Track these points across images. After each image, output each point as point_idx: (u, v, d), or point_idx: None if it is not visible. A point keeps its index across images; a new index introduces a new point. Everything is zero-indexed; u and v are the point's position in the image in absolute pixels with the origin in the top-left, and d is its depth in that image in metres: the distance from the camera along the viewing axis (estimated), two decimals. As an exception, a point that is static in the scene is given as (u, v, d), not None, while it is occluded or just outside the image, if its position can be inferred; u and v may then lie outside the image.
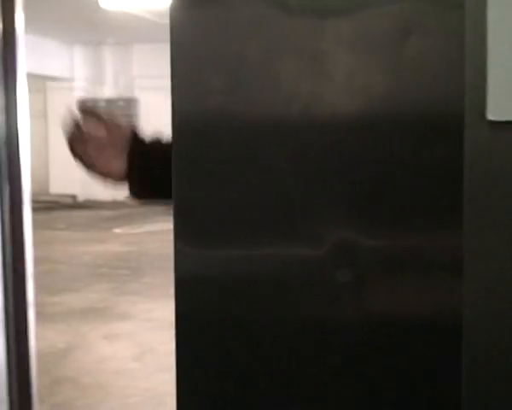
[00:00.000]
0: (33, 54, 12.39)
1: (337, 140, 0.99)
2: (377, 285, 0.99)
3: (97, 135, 1.16)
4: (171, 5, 1.03)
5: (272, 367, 1.03)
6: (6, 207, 1.51)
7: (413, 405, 0.99)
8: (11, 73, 1.51)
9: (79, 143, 1.20)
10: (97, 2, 10.05)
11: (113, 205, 14.05)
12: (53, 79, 14.58)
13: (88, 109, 1.15)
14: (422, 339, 0.98)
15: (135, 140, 1.26)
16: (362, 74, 0.98)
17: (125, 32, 12.74)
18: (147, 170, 1.29)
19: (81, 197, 14.73)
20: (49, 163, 14.86)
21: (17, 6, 1.51)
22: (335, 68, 0.99)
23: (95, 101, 14.83)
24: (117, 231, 10.70)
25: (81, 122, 1.20)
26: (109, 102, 14.75)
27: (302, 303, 1.01)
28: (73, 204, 14.26)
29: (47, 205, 13.58)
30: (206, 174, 1.04)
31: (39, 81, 14.40)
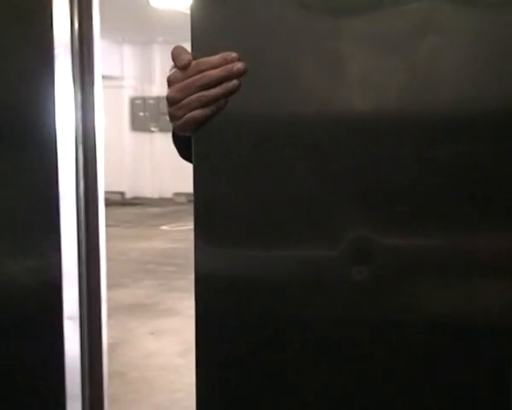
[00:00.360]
0: (84, 52, 12.53)
1: (354, 139, 0.99)
2: (395, 284, 0.98)
3: None
4: (192, 5, 1.04)
5: (289, 365, 1.04)
6: (81, 205, 1.53)
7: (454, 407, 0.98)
8: (88, 72, 1.54)
9: None
10: (148, 1, 10.16)
11: (160, 202, 14.18)
12: (103, 77, 14.75)
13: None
14: (443, 339, 0.97)
15: None
16: (379, 73, 0.97)
17: (173, 31, 12.82)
18: None
19: (129, 194, 14.91)
20: (98, 160, 15.05)
21: (94, 6, 1.54)
22: (352, 67, 0.98)
23: (143, 99, 14.99)
24: (164, 228, 10.80)
25: None
26: (158, 100, 14.88)
27: (320, 302, 1.01)
28: (122, 201, 14.44)
29: (96, 201, 13.72)
30: (226, 174, 1.05)
31: (90, 79, 14.57)
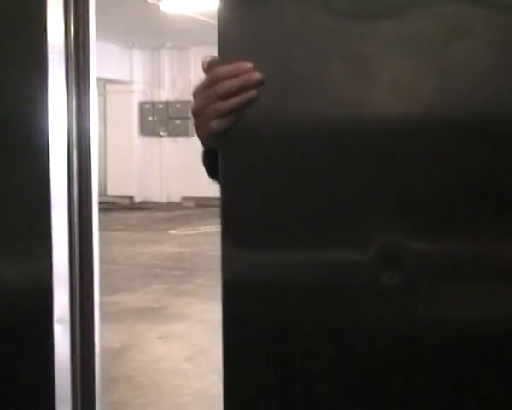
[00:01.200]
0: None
1: (384, 142, 0.98)
2: (425, 290, 0.97)
3: None
4: (219, 9, 1.03)
5: (318, 370, 1.03)
6: (74, 209, 1.54)
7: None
8: (83, 76, 1.54)
9: None
10: (158, 6, 10.19)
11: (169, 206, 14.20)
12: (112, 81, 14.82)
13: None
14: (476, 347, 0.96)
15: None
16: (408, 77, 0.97)
17: (183, 35, 12.88)
18: None
19: (137, 199, 14.94)
20: (106, 165, 15.13)
21: (90, 8, 1.54)
22: (382, 71, 0.98)
23: (152, 103, 15.02)
24: (172, 232, 10.81)
25: None
26: (167, 104, 14.91)
27: (348, 307, 1.01)
28: (130, 205, 14.46)
29: (105, 206, 13.81)
30: (254, 178, 1.04)
31: (99, 84, 14.66)
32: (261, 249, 1.05)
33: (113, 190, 15.01)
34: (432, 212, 0.96)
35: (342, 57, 0.99)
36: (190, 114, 1.07)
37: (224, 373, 1.06)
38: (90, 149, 1.56)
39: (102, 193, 15.11)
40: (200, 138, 1.07)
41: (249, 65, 1.00)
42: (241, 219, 1.05)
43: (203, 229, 10.68)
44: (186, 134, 14.54)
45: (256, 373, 1.06)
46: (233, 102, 1.00)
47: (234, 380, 1.07)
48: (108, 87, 15.22)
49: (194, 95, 1.05)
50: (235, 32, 1.03)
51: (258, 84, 1.00)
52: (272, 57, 1.01)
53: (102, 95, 15.32)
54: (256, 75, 1.00)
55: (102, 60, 13.62)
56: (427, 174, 0.96)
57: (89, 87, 1.55)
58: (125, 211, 13.51)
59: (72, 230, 1.53)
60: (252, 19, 1.03)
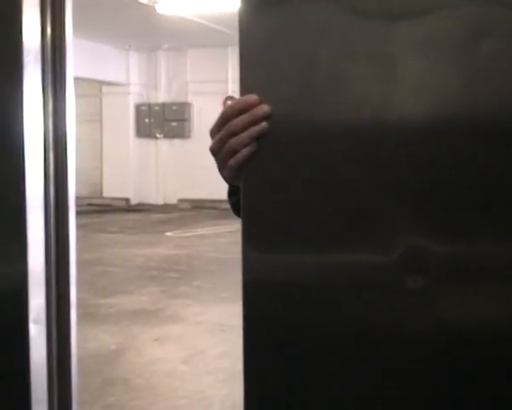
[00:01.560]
0: (90, 59, 12.63)
1: (407, 144, 0.97)
2: (449, 292, 0.97)
3: None
4: (241, 9, 1.03)
5: (339, 371, 1.03)
6: (51, 210, 1.54)
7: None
8: (59, 78, 1.54)
9: None
10: (154, 8, 10.19)
11: (165, 208, 14.19)
12: (109, 83, 14.82)
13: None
14: (499, 350, 0.95)
15: None
16: (433, 78, 0.96)
17: (179, 37, 12.88)
18: None
19: (133, 201, 14.92)
20: (103, 167, 15.11)
21: (66, 10, 1.54)
22: (406, 72, 0.97)
23: (149, 105, 15.02)
24: (168, 234, 10.79)
25: None
26: (163, 106, 14.90)
27: (370, 309, 1.00)
28: (126, 207, 14.45)
29: (100, 208, 13.80)
30: (275, 180, 1.04)
31: (95, 86, 14.67)
32: (282, 251, 1.04)
33: (109, 192, 15.00)
34: (457, 214, 0.95)
35: (366, 58, 0.98)
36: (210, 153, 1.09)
37: (244, 374, 1.05)
38: (66, 151, 1.56)
39: (99, 195, 15.11)
40: (223, 177, 1.09)
41: (255, 97, 1.01)
42: (262, 222, 1.04)
43: (199, 231, 10.65)
44: (182, 136, 14.53)
45: (277, 374, 1.05)
46: (242, 137, 1.02)
47: (255, 381, 1.06)
48: (105, 89, 15.20)
49: (211, 135, 1.07)
50: (256, 33, 1.02)
51: (267, 117, 1.01)
52: (294, 58, 1.01)
53: (99, 97, 15.31)
54: (264, 108, 1.01)
55: (99, 62, 13.62)
56: (452, 176, 0.95)
57: (65, 89, 1.56)
58: (121, 213, 13.49)
59: (49, 231, 1.54)
60: (273, 19, 1.02)
